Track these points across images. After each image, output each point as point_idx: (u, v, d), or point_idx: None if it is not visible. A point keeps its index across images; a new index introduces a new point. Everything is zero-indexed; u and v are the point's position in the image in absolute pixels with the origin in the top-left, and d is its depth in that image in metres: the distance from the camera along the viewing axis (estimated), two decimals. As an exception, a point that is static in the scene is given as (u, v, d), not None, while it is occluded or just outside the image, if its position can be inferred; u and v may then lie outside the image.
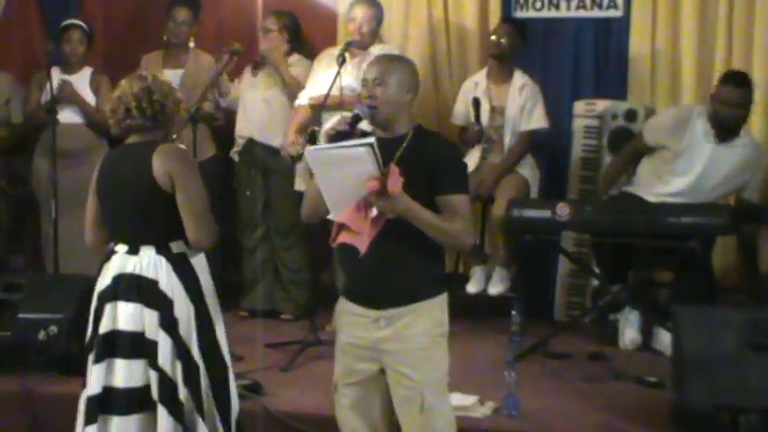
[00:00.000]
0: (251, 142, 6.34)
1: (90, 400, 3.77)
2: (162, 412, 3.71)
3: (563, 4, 6.61)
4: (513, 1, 6.65)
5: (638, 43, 6.42)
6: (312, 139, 5.70)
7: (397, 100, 3.58)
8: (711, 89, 5.70)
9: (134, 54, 6.80)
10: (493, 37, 6.18)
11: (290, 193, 6.20)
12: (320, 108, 5.74)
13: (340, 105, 5.84)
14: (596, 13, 6.57)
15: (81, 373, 5.02)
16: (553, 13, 6.64)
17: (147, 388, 3.74)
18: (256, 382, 4.90)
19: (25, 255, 6.84)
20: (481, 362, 5.31)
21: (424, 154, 3.52)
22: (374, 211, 3.42)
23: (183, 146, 3.95)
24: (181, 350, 3.74)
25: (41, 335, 5.07)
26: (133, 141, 3.86)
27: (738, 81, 5.56)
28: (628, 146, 5.95)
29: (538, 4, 6.64)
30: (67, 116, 6.31)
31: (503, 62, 6.16)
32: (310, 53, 6.43)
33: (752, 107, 5.60)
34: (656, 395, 4.87)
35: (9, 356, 5.09)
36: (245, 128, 6.39)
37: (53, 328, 5.08)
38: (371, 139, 3.38)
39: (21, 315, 5.16)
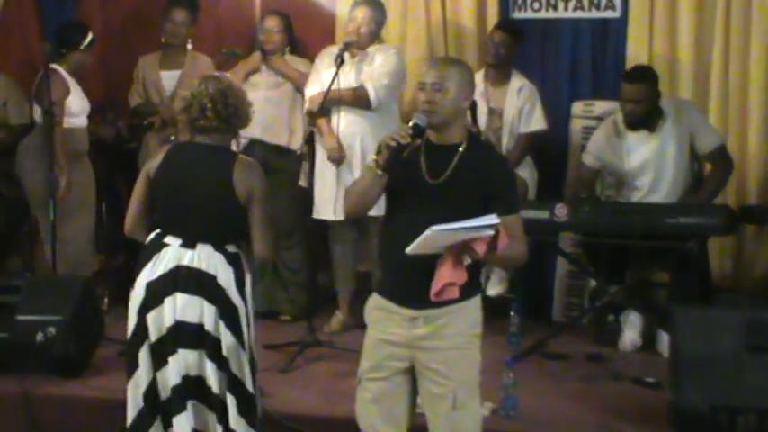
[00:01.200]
0: (253, 143, 6.33)
1: (174, 391, 3.85)
2: (233, 403, 3.82)
3: (560, 5, 6.60)
4: (510, 2, 6.64)
5: (635, 44, 6.42)
6: (310, 140, 5.77)
7: (455, 106, 3.57)
8: None
9: (132, 55, 6.79)
10: (489, 43, 6.17)
11: (293, 193, 6.20)
12: (320, 106, 5.73)
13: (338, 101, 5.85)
14: (594, 14, 6.56)
15: (79, 374, 5.09)
16: (551, 14, 6.63)
17: (198, 379, 3.85)
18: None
19: (22, 256, 6.82)
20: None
21: (480, 169, 3.52)
22: (467, 260, 3.43)
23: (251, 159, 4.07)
24: (244, 344, 3.87)
25: (39, 336, 5.06)
26: (206, 143, 3.96)
27: (632, 77, 5.71)
28: (573, 176, 6.10)
29: (536, 5, 6.63)
30: (78, 121, 6.28)
31: (497, 68, 6.18)
32: (303, 53, 6.44)
33: (654, 99, 5.67)
34: (654, 396, 4.88)
35: (7, 358, 5.08)
36: (248, 128, 6.37)
37: (51, 330, 5.08)
38: (496, 219, 3.34)
39: (19, 317, 5.16)
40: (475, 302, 3.64)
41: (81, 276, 5.60)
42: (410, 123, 3.53)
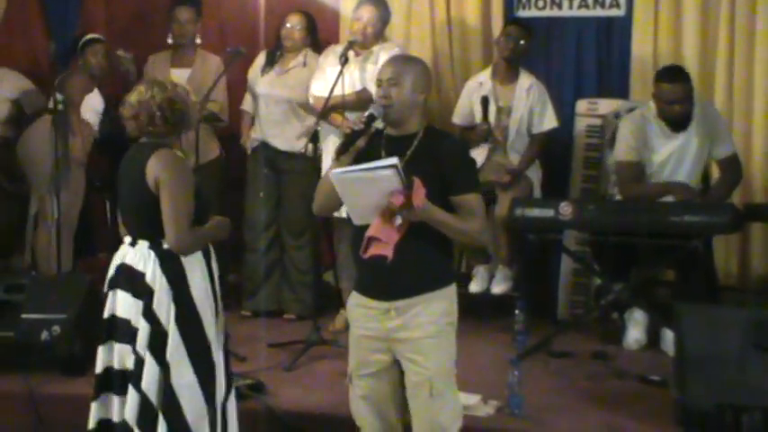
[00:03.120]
0: (264, 144, 6.34)
1: (95, 378, 3.97)
2: (132, 395, 3.84)
3: (565, 4, 6.61)
4: (515, 0, 6.64)
5: (640, 42, 6.41)
6: (314, 140, 5.76)
7: (411, 100, 3.67)
8: (652, 88, 5.72)
9: (136, 53, 6.79)
10: (505, 38, 6.15)
11: (304, 193, 6.18)
12: (324, 109, 5.73)
13: (342, 106, 5.84)
14: (598, 13, 6.57)
15: (84, 372, 5.09)
16: (555, 13, 6.64)
17: (124, 372, 3.90)
18: (259, 382, 4.91)
19: (23, 253, 6.82)
20: (484, 361, 5.31)
21: (436, 153, 3.62)
22: (398, 220, 3.55)
23: (180, 152, 4.04)
24: (160, 341, 3.84)
25: (44, 335, 5.08)
26: (145, 141, 3.99)
27: (672, 76, 5.60)
28: (625, 178, 5.79)
29: (540, 4, 6.63)
30: (95, 121, 6.30)
31: (511, 63, 6.17)
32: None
33: (693, 97, 5.61)
34: (659, 394, 4.87)
35: (12, 357, 5.09)
36: (259, 129, 6.38)
37: (56, 329, 5.09)
38: (395, 160, 3.47)
39: (23, 315, 5.17)
40: (447, 292, 3.71)
41: (85, 275, 5.60)
42: (366, 113, 3.69)
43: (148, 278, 3.87)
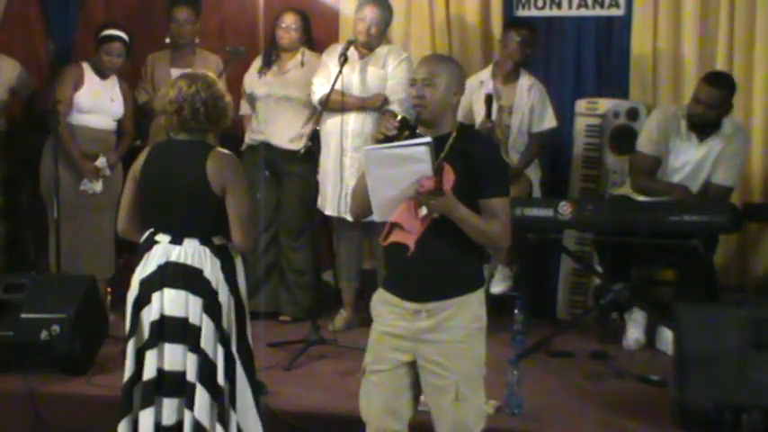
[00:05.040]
0: (265, 145, 6.32)
1: (146, 384, 3.89)
2: (201, 393, 3.84)
3: (564, 3, 6.61)
4: (514, 0, 6.65)
5: (639, 42, 6.42)
6: (313, 140, 5.76)
7: (445, 101, 3.63)
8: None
9: (135, 54, 6.78)
10: (518, 43, 6.11)
11: (303, 195, 6.18)
12: (323, 107, 5.74)
13: (341, 109, 5.85)
14: (598, 12, 6.57)
15: (83, 372, 5.10)
16: (555, 12, 6.63)
17: (179, 374, 3.88)
18: (259, 382, 4.89)
19: (29, 256, 6.82)
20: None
21: (469, 154, 3.59)
22: (423, 210, 3.54)
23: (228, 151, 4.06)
24: (223, 337, 3.90)
25: (44, 335, 5.07)
26: (183, 139, 3.99)
27: (716, 82, 5.55)
28: (638, 169, 5.80)
29: (539, 3, 6.63)
30: (91, 120, 6.28)
31: (517, 65, 6.17)
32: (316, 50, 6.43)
33: (727, 109, 5.56)
34: (659, 393, 4.87)
35: (12, 356, 5.09)
36: (258, 130, 6.37)
37: (55, 328, 5.09)
38: (428, 139, 3.47)
39: (23, 315, 5.16)
40: (478, 296, 3.68)
41: (85, 275, 5.60)
42: (398, 117, 3.65)
43: (207, 274, 3.89)
